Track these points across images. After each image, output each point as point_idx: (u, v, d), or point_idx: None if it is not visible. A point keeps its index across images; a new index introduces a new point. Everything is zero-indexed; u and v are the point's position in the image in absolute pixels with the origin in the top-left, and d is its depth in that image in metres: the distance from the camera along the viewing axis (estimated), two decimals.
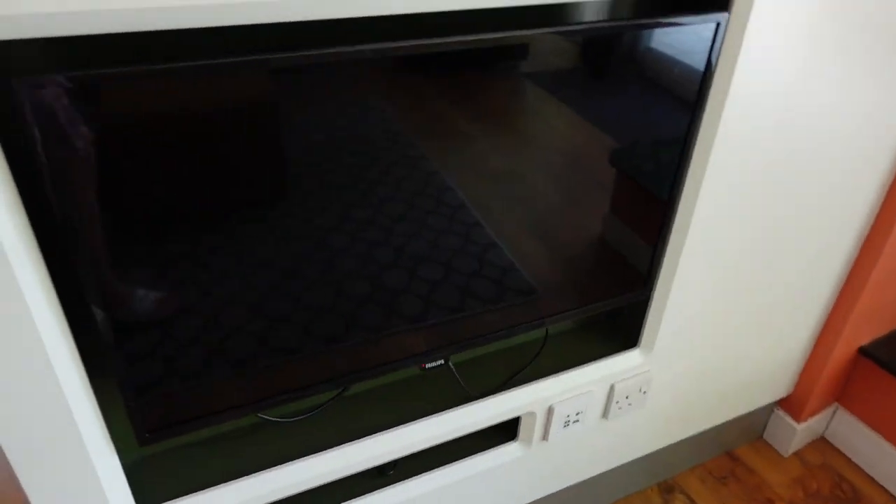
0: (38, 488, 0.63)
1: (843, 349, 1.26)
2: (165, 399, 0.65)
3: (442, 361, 0.81)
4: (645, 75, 0.72)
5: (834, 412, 1.41)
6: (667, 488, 1.31)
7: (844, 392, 1.37)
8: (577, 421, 1.00)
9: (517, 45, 0.64)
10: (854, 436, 1.37)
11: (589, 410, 1.00)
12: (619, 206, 0.82)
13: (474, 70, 0.63)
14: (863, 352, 1.29)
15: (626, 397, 1.03)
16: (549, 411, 0.96)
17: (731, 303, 1.04)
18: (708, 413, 1.22)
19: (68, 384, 0.59)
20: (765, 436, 1.43)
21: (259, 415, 0.82)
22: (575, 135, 0.73)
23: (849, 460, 1.38)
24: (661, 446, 1.20)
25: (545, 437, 0.99)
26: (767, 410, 1.39)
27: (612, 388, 1.00)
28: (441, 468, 0.95)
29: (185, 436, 0.82)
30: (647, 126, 0.77)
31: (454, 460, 0.96)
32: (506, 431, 1.00)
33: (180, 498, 0.75)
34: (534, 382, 0.94)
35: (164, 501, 0.74)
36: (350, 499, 0.89)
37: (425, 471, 0.94)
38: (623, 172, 0.80)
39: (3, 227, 0.50)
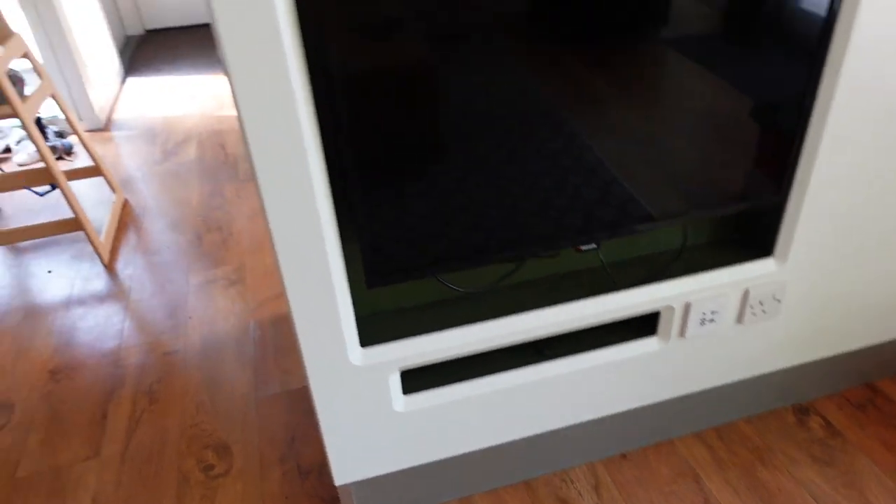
0: (302, 309, 0.88)
1: None
2: (391, 255, 0.87)
3: (594, 245, 0.97)
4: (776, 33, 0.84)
5: None
6: (802, 410, 1.38)
7: None
8: (713, 321, 1.12)
9: (652, 10, 0.78)
10: None
11: (724, 311, 1.12)
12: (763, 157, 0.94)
13: (614, 37, 0.78)
14: None
15: (761, 303, 1.13)
16: (687, 307, 1.09)
17: (873, 221, 1.10)
18: (847, 334, 1.28)
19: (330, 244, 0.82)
20: None
21: (448, 284, 1.03)
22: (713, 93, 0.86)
23: None
24: (796, 363, 1.28)
25: (682, 332, 1.12)
26: None
27: (746, 292, 1.11)
28: (588, 352, 1.11)
29: (395, 301, 1.05)
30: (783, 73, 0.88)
31: (600, 347, 1.12)
32: (647, 330, 1.14)
33: (387, 343, 0.98)
34: (673, 280, 1.07)
35: (380, 343, 0.97)
36: (513, 368, 1.08)
37: (574, 353, 1.11)
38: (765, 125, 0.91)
39: (307, 137, 0.73)
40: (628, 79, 0.85)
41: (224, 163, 2.60)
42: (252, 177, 2.22)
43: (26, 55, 1.94)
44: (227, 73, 0.70)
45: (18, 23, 2.72)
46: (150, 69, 3.72)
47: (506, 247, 0.93)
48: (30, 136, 1.80)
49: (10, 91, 1.74)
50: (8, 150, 2.78)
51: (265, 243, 2.07)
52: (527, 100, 0.82)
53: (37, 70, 2.01)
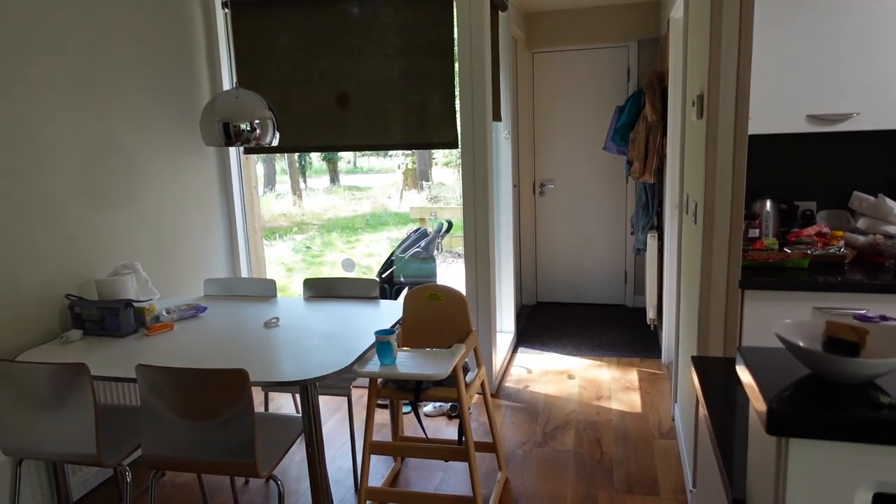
0: None
1: None
2: None
3: None
4: None
5: None
6: None
7: None
8: None
9: None
10: None
11: None
12: None
13: None
14: None
15: None
16: None
17: None
18: None
19: None
20: None
21: None
22: None
23: None
24: None
25: None
26: None
27: None
28: None
29: None
30: None
31: None
32: None
33: None
34: None
35: None
36: None
37: None
38: None
39: None
40: None
41: (599, 462, 2.61)
42: (628, 490, 2.17)
43: (476, 348, 2.33)
44: None
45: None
46: (537, 341, 4.13)
47: None
48: (462, 420, 2.08)
49: (461, 381, 2.07)
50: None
51: None
52: None
53: (477, 358, 2.38)
